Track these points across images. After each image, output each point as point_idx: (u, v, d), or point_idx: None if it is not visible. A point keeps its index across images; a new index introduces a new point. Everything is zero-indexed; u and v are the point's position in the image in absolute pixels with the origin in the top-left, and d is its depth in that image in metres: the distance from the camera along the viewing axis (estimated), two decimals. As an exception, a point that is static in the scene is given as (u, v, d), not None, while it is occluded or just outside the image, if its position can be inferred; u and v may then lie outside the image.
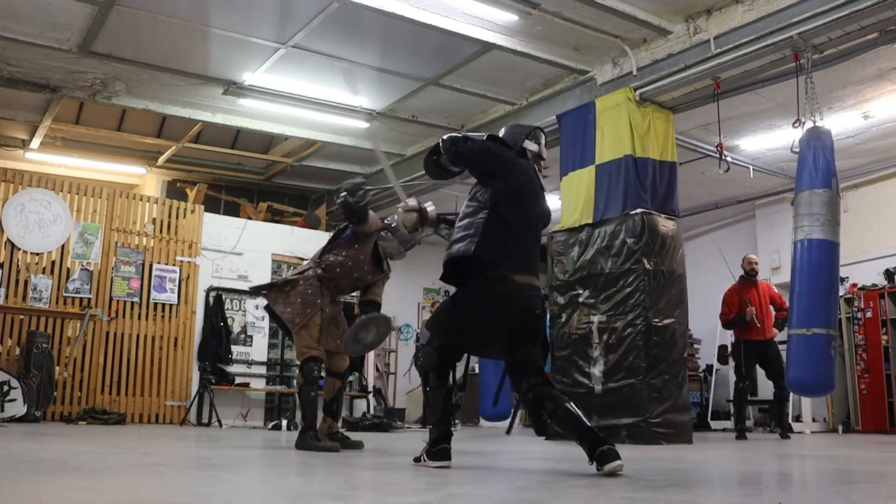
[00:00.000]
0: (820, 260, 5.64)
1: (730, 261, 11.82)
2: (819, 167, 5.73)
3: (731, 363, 10.78)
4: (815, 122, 5.95)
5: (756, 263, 8.26)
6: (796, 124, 6.06)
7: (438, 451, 3.54)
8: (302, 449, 4.70)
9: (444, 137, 3.75)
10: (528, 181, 3.70)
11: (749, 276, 8.09)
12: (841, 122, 8.28)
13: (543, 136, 3.93)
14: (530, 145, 3.84)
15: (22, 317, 8.02)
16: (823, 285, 5.61)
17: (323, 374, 5.01)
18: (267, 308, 5.06)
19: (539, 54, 7.30)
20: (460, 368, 3.80)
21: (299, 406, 4.92)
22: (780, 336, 8.00)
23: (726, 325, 8.29)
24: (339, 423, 4.92)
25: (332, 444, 4.75)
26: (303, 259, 7.63)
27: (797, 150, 5.97)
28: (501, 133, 3.91)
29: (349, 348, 4.89)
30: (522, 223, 3.62)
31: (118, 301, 8.64)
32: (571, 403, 3.40)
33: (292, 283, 4.94)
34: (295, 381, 5.11)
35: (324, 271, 4.96)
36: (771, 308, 8.05)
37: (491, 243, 3.50)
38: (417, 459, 3.65)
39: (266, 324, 9.59)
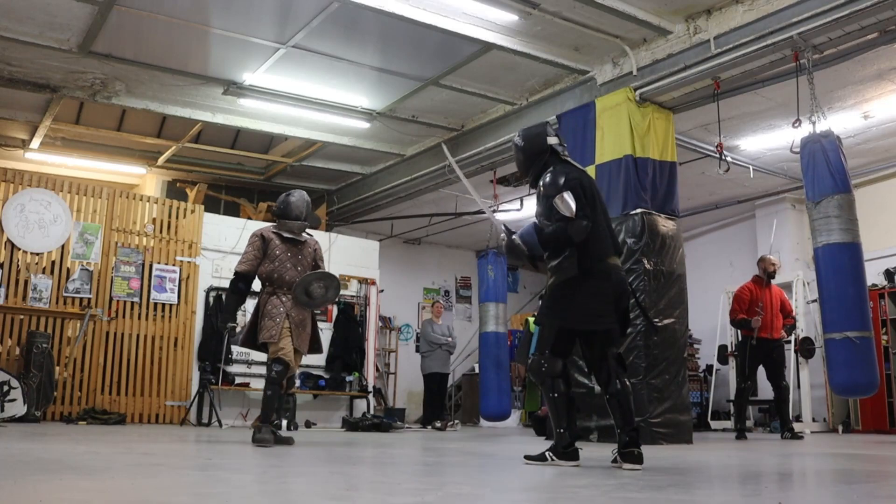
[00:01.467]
0: (842, 263, 5.63)
1: (734, 262, 11.88)
2: (826, 170, 5.73)
3: (732, 363, 10.82)
4: (814, 123, 5.95)
5: (775, 265, 8.06)
6: (796, 124, 6.06)
7: (572, 451, 3.82)
8: (252, 441, 5.06)
9: (546, 240, 3.87)
10: (587, 179, 3.99)
11: (767, 278, 7.96)
12: (841, 122, 8.28)
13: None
14: (553, 140, 4.07)
15: (22, 317, 8.02)
16: (850, 288, 5.61)
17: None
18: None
19: (539, 54, 7.30)
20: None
21: (262, 402, 5.25)
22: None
23: (734, 323, 8.26)
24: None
25: (265, 437, 5.05)
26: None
27: (797, 150, 5.97)
28: (520, 142, 4.12)
29: (299, 298, 5.25)
30: (595, 216, 3.89)
31: (118, 301, 8.64)
32: (632, 396, 3.87)
33: (258, 313, 5.33)
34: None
35: (267, 285, 5.34)
36: (780, 313, 7.98)
37: (585, 252, 3.84)
38: (539, 458, 3.85)
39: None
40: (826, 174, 5.71)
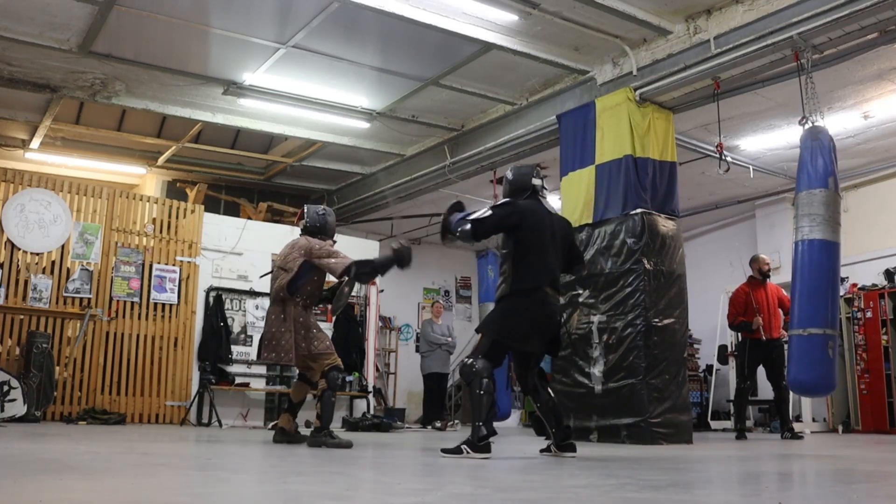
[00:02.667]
0: (820, 260, 5.64)
1: (734, 261, 11.87)
2: (817, 167, 5.73)
3: (732, 363, 10.81)
4: (813, 122, 5.95)
5: (769, 264, 8.12)
6: (803, 122, 6.03)
7: (485, 444, 4.18)
8: (314, 447, 5.02)
9: (459, 230, 4.49)
10: (540, 217, 4.53)
11: (762, 277, 7.99)
12: (841, 122, 8.28)
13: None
14: (537, 181, 4.66)
15: (22, 317, 8.02)
16: (823, 285, 5.60)
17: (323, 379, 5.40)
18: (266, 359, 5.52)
19: (539, 54, 7.30)
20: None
21: (319, 408, 5.26)
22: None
23: (732, 327, 8.26)
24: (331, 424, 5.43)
25: (345, 440, 5.17)
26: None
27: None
28: (510, 176, 4.73)
29: (335, 310, 5.81)
30: (542, 249, 4.48)
31: (118, 301, 8.63)
32: (555, 401, 4.66)
33: (300, 328, 5.34)
34: (319, 385, 5.39)
35: (306, 299, 5.42)
36: (780, 310, 7.97)
37: (522, 278, 4.43)
38: (455, 451, 4.21)
39: (266, 324, 9.58)
40: (811, 171, 5.73)
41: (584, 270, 5.84)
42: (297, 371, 5.76)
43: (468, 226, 4.43)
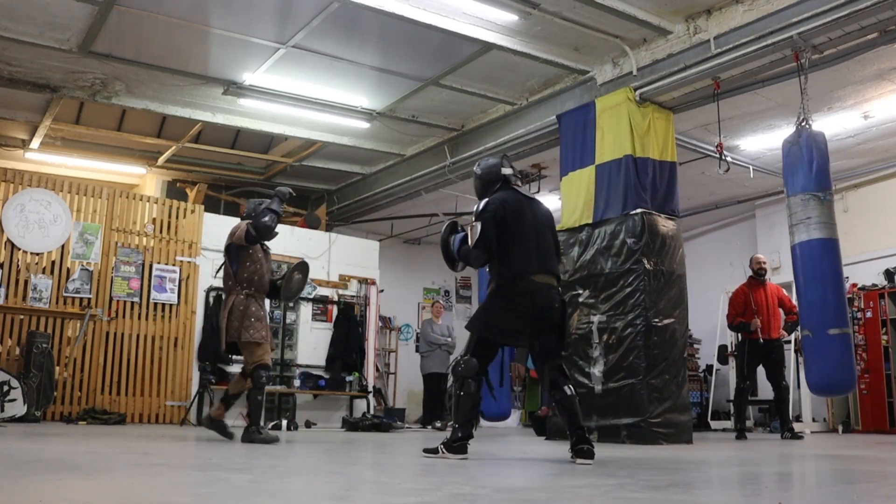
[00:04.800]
0: (821, 259, 5.65)
1: (734, 261, 11.87)
2: (805, 168, 5.75)
3: (732, 363, 10.80)
4: (801, 125, 5.97)
5: (764, 263, 8.12)
6: (803, 123, 6.04)
7: (459, 446, 4.13)
8: (246, 442, 5.27)
9: (470, 260, 4.35)
10: (518, 205, 4.39)
11: (757, 276, 8.00)
12: (841, 122, 8.28)
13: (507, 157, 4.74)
14: (507, 171, 4.54)
15: (22, 317, 8.02)
16: (827, 285, 5.62)
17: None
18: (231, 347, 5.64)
19: (539, 54, 7.30)
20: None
21: (248, 406, 5.53)
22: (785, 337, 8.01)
23: (731, 327, 8.27)
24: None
25: (273, 435, 5.44)
26: (301, 258, 7.69)
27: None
28: (479, 171, 4.60)
29: (286, 298, 5.98)
30: (522, 236, 4.31)
31: (118, 301, 8.63)
32: (577, 400, 4.23)
33: (236, 312, 5.47)
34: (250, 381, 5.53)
35: (248, 288, 5.56)
36: (780, 310, 7.97)
37: (505, 270, 4.26)
38: (433, 451, 4.20)
39: (266, 324, 9.58)
40: (799, 173, 5.76)
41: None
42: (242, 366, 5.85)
43: (477, 252, 4.26)
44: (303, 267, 5.95)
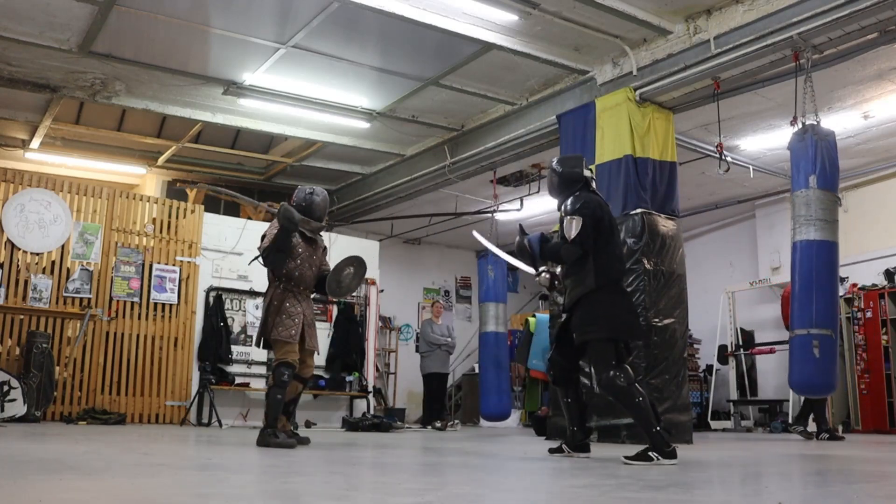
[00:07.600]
0: (818, 260, 5.64)
1: (734, 261, 11.87)
2: (810, 166, 5.75)
3: (732, 363, 10.81)
4: (805, 123, 5.97)
5: None
6: (794, 123, 6.06)
7: (672, 451, 3.95)
8: (262, 446, 4.88)
9: (543, 252, 4.42)
10: (608, 211, 4.45)
11: None
12: (841, 122, 8.28)
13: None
14: (587, 173, 4.55)
15: (22, 317, 8.01)
16: (820, 286, 5.61)
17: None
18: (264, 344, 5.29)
19: (539, 54, 7.30)
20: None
21: (266, 405, 5.10)
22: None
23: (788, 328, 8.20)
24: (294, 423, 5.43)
25: (289, 440, 4.98)
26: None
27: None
28: (559, 168, 4.55)
29: (333, 293, 5.37)
30: (614, 239, 4.44)
31: (118, 301, 8.63)
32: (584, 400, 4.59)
33: (272, 308, 5.13)
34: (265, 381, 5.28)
35: (287, 282, 5.18)
36: None
37: (602, 270, 4.29)
38: (645, 458, 3.91)
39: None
40: (805, 170, 5.75)
41: None
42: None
43: (574, 248, 4.24)
44: (356, 261, 5.35)
